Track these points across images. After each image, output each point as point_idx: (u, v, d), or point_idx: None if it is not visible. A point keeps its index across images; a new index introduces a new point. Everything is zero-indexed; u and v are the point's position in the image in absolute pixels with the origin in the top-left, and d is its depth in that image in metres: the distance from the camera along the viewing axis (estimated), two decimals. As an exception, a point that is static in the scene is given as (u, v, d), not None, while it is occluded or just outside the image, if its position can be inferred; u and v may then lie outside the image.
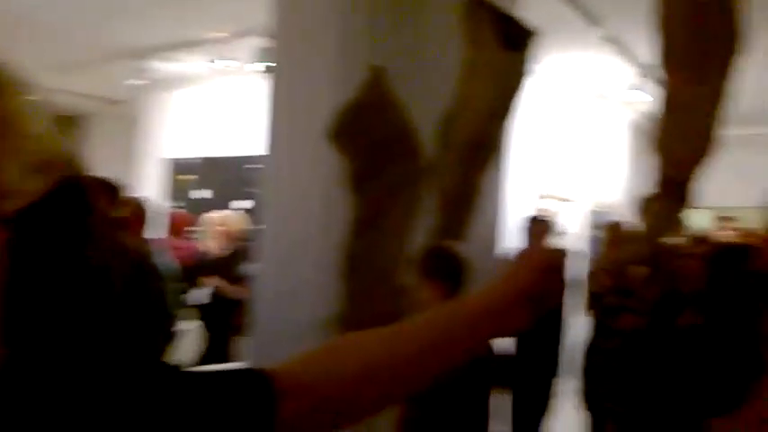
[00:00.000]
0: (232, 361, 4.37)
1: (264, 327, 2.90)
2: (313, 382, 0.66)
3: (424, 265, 2.17)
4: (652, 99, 2.46)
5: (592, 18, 4.75)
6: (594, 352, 3.66)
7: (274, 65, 3.10)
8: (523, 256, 0.79)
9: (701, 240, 3.57)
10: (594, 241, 6.52)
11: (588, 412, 3.72)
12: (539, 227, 3.98)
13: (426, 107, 2.65)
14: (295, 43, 3.00)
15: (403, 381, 0.71)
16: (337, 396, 0.66)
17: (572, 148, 6.99)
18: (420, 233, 2.60)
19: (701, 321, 2.37)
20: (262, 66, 5.36)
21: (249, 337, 3.09)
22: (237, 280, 4.57)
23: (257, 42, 5.26)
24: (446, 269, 2.13)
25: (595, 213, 7.18)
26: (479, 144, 2.86)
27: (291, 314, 2.75)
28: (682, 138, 2.28)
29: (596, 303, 3.64)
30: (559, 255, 0.77)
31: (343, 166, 2.51)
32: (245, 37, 5.49)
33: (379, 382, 0.68)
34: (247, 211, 5.95)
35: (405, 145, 2.55)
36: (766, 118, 7.51)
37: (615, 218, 4.73)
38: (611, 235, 4.03)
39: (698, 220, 6.23)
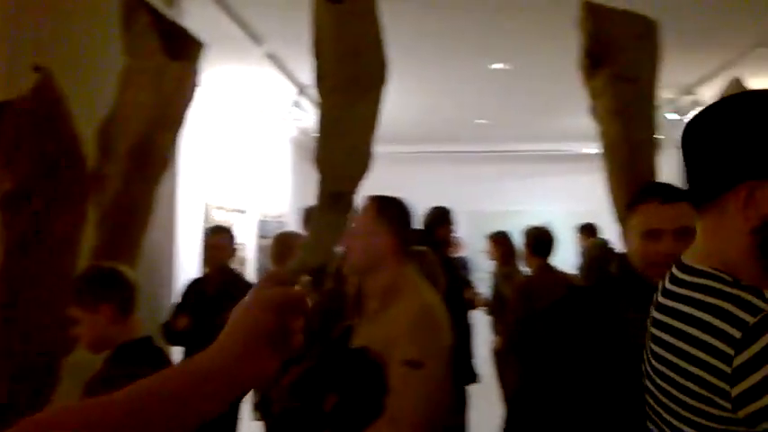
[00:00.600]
0: None
1: None
2: None
3: (85, 288, 1.94)
4: (311, 117, 2.63)
5: (254, 35, 4.89)
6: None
7: None
8: (258, 295, 0.71)
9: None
10: (263, 251, 6.70)
11: (262, 422, 3.77)
12: (218, 239, 4.03)
13: (80, 112, 2.42)
14: None
15: None
16: None
17: (240, 161, 7.09)
18: (85, 253, 2.36)
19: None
20: None
21: None
22: None
23: None
24: (111, 291, 1.93)
25: (264, 223, 7.39)
26: (144, 155, 2.71)
27: None
28: (339, 155, 2.48)
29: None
30: (297, 293, 0.71)
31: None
32: None
33: None
34: None
35: (71, 156, 2.28)
36: (406, 138, 8.63)
37: (283, 228, 4.92)
38: (279, 245, 4.15)
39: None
